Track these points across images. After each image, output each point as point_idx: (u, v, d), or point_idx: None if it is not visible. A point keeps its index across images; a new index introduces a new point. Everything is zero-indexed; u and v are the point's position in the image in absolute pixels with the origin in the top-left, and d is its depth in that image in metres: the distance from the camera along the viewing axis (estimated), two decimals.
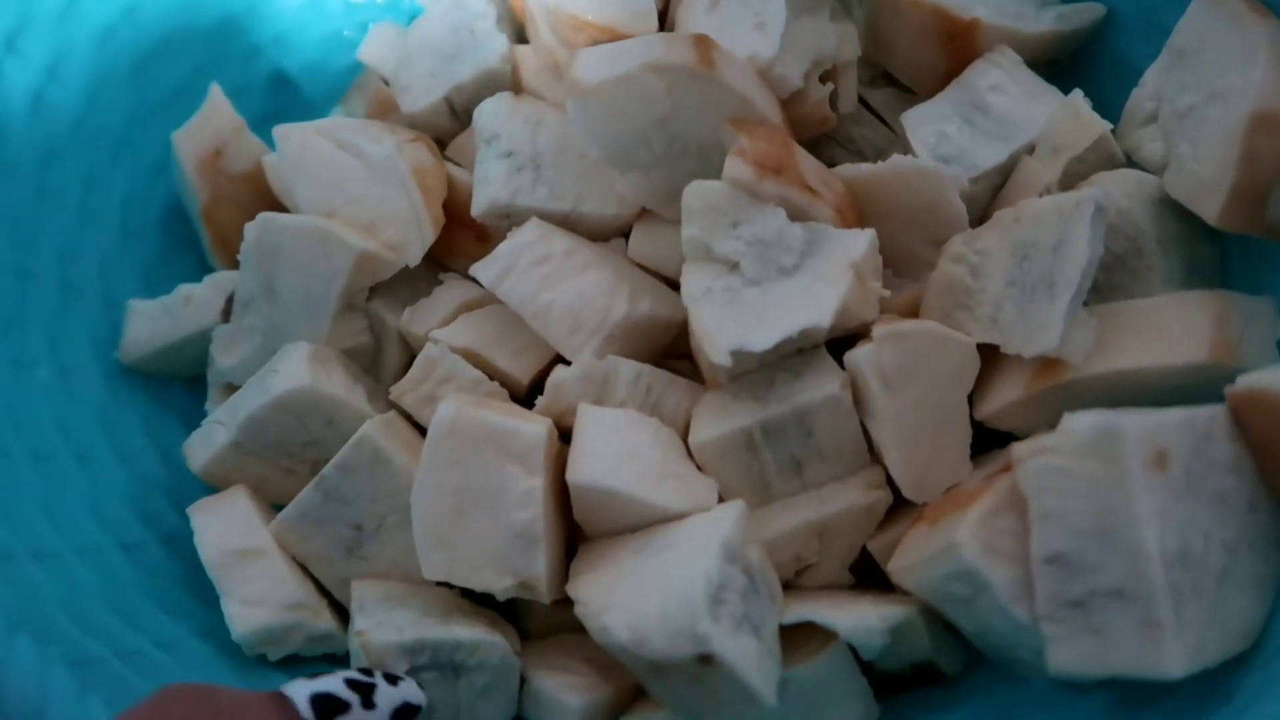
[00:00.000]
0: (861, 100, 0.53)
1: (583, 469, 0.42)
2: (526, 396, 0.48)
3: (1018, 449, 0.36)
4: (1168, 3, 0.46)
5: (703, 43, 0.45)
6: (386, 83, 0.61)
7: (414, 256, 0.50)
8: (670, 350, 0.49)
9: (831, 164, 0.48)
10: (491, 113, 0.51)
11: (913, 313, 0.46)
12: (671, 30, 0.52)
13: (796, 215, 0.44)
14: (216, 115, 0.58)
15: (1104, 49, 0.51)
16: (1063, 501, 0.34)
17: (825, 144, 0.53)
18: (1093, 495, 0.34)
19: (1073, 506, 0.34)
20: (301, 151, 0.52)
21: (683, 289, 0.44)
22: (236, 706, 0.35)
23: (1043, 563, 0.35)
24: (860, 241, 0.43)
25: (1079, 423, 0.35)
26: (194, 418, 0.54)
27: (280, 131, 0.52)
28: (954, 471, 0.42)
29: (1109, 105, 0.47)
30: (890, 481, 0.43)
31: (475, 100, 0.53)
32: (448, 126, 0.56)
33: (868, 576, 0.44)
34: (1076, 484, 0.34)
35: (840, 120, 0.51)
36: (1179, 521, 0.33)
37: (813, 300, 0.42)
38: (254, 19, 0.63)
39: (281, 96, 0.65)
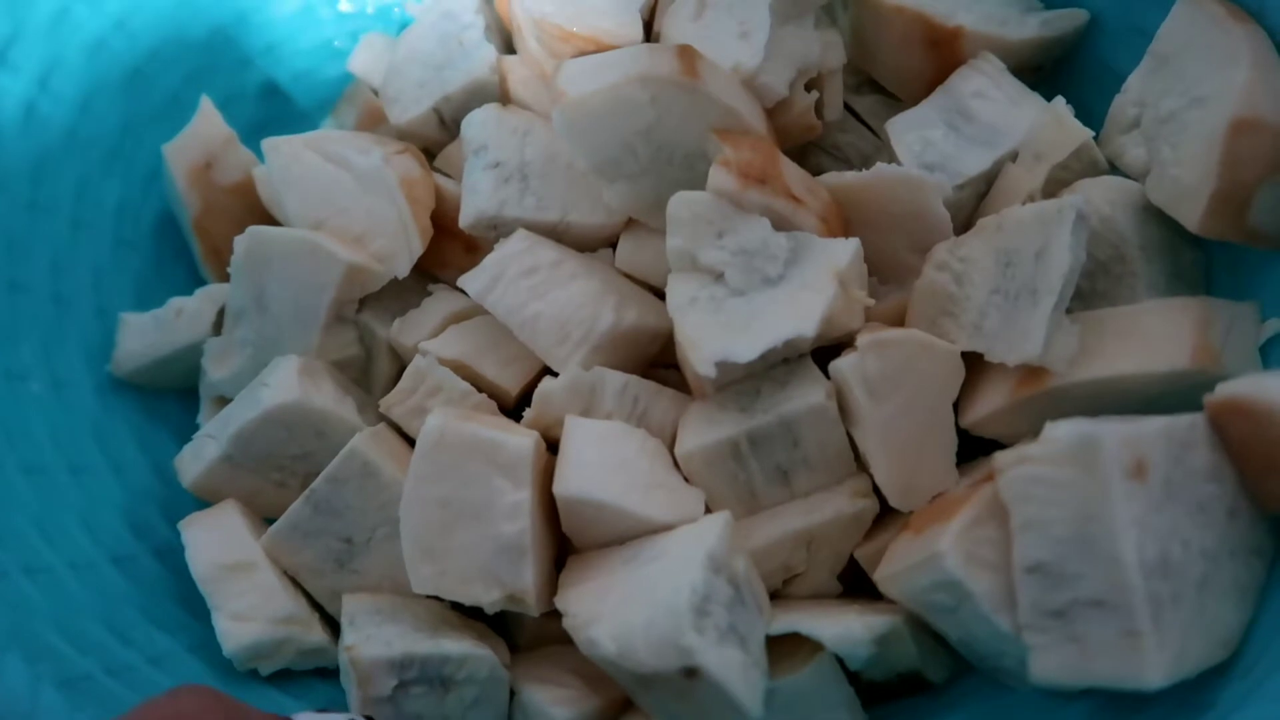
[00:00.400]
0: (847, 107, 0.53)
1: (570, 481, 0.42)
2: (516, 407, 0.48)
3: (999, 458, 0.36)
4: (1151, 7, 0.46)
5: (686, 53, 0.45)
6: (376, 93, 0.61)
7: (402, 268, 0.50)
8: (657, 360, 0.49)
9: (817, 172, 0.49)
10: (479, 123, 0.51)
11: (898, 320, 0.46)
12: (657, 40, 0.52)
13: (781, 224, 0.44)
14: (207, 127, 0.58)
15: (1087, 54, 0.51)
16: (1043, 511, 0.35)
17: (811, 152, 0.54)
18: (1073, 504, 0.34)
19: (1053, 516, 0.34)
20: (290, 164, 0.52)
21: (668, 299, 0.44)
22: (245, 715, 0.35)
23: (1024, 572, 0.35)
24: (845, 250, 0.43)
25: (1059, 431, 0.35)
26: (186, 430, 0.54)
27: (269, 144, 0.53)
28: (940, 479, 0.43)
29: (1092, 111, 0.47)
30: (877, 489, 0.43)
31: (464, 110, 0.53)
32: (436, 137, 0.56)
33: (856, 585, 0.44)
34: (1057, 493, 0.34)
35: (826, 128, 0.52)
36: (1158, 530, 0.33)
37: (797, 310, 0.42)
38: (245, 29, 0.64)
39: (272, 106, 0.65)
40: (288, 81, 0.65)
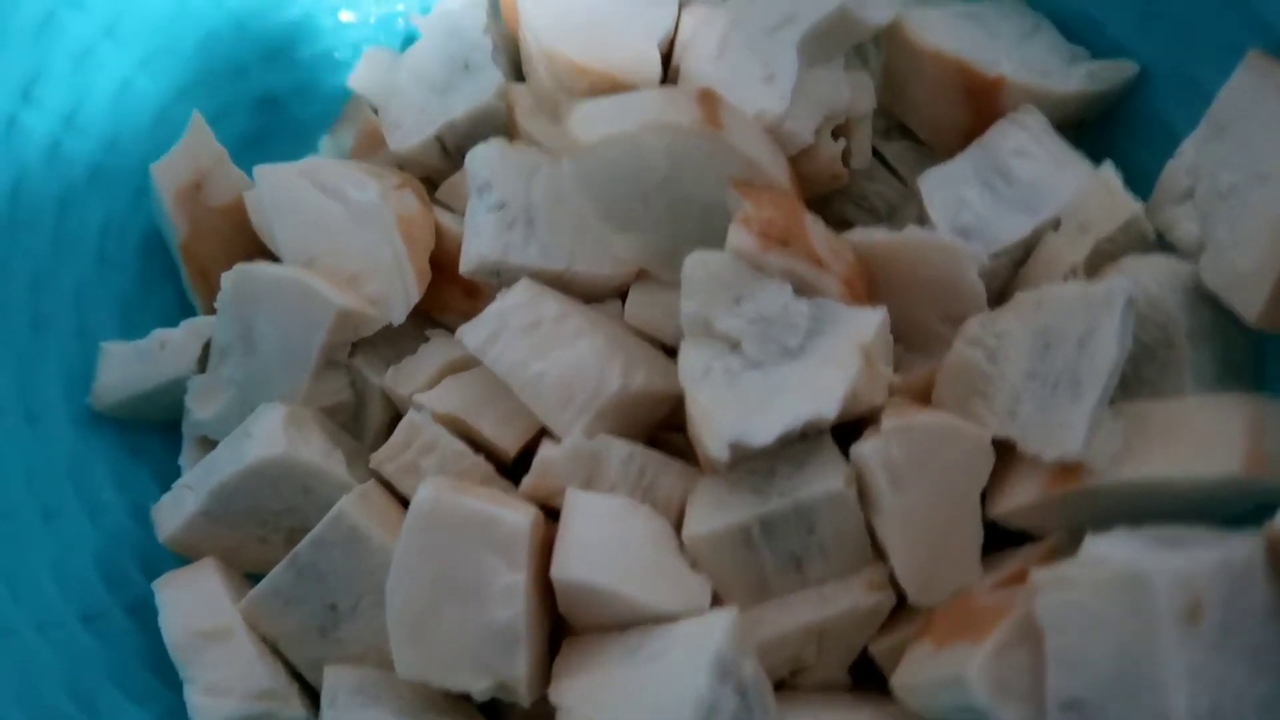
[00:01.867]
0: (875, 153, 0.50)
1: (569, 565, 0.39)
2: (515, 464, 0.45)
3: (1036, 577, 0.33)
4: (1204, 59, 0.43)
5: (708, 99, 0.42)
6: (376, 112, 0.58)
7: (397, 315, 0.47)
8: (666, 422, 0.47)
9: (842, 220, 0.46)
10: (483, 159, 0.48)
11: (925, 393, 0.43)
12: (675, 79, 0.49)
13: (803, 287, 0.41)
14: (197, 145, 0.55)
15: (1136, 106, 0.47)
16: (1084, 643, 0.32)
17: (835, 200, 0.50)
18: (1117, 641, 0.31)
19: (1094, 651, 0.31)
20: (281, 193, 0.49)
21: (680, 367, 0.41)
22: None
23: (1059, 708, 0.32)
24: (870, 321, 0.40)
25: (1102, 552, 0.32)
26: (168, 470, 0.51)
27: (261, 172, 0.50)
28: (962, 573, 0.40)
29: (1138, 165, 0.44)
30: (893, 579, 0.40)
31: (468, 138, 0.50)
32: (439, 166, 0.53)
33: (865, 673, 0.42)
34: (1100, 627, 0.31)
35: (852, 176, 0.48)
36: (1210, 680, 0.30)
37: (818, 387, 0.39)
38: (240, 38, 0.60)
39: (269, 119, 0.62)
40: (285, 93, 0.62)
